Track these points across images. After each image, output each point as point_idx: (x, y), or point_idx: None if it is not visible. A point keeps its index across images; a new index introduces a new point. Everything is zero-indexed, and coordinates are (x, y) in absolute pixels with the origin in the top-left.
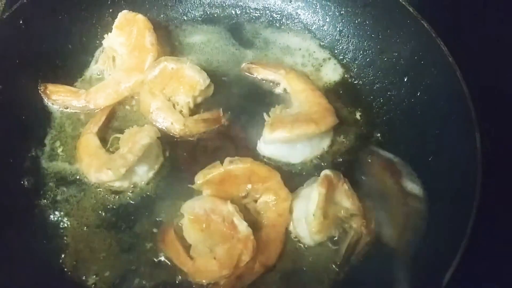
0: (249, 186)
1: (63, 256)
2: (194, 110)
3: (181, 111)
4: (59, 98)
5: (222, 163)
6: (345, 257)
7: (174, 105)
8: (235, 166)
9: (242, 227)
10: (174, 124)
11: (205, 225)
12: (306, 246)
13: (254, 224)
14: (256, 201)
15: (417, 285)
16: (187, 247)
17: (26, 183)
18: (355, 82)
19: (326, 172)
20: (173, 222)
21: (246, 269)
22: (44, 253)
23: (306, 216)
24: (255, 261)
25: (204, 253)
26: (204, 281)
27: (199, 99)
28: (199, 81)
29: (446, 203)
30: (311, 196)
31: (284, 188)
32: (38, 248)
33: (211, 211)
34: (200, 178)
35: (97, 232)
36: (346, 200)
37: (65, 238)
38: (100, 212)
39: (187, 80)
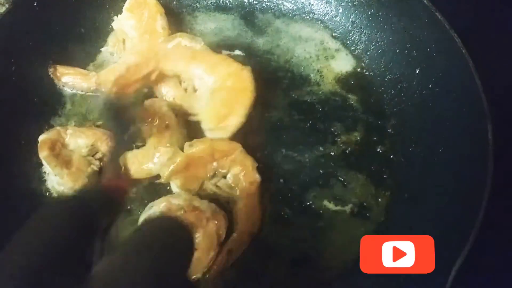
0: (215, 164)
1: None
2: None
3: (185, 89)
4: (69, 80)
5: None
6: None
7: (180, 82)
8: (195, 148)
9: (204, 205)
10: (176, 99)
11: None
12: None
13: (230, 199)
14: (225, 177)
15: (422, 279)
16: None
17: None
18: (366, 73)
19: None
20: None
21: (233, 242)
22: None
23: None
24: (241, 233)
25: None
26: (199, 274)
27: None
28: None
29: (456, 194)
30: None
31: (248, 157)
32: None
33: (168, 210)
34: (165, 170)
35: None
36: None
37: None
38: None
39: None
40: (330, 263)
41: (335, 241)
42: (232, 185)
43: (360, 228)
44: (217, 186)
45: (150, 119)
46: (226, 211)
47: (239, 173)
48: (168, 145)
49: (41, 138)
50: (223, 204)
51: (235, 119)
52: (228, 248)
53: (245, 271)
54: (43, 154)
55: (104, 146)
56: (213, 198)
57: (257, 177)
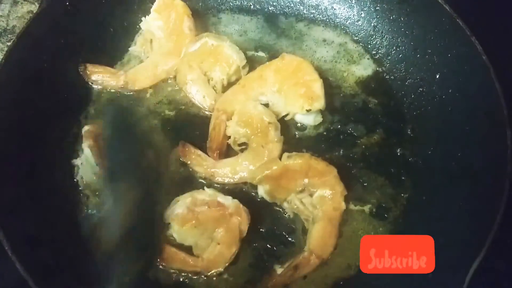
0: (306, 180)
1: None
2: (227, 88)
3: (214, 87)
4: (98, 79)
5: (280, 158)
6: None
7: (208, 80)
8: (293, 161)
9: (228, 201)
10: (206, 97)
11: (195, 221)
12: None
13: (310, 217)
14: (311, 195)
15: (440, 281)
16: (188, 249)
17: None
18: (387, 77)
19: None
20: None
21: (302, 260)
22: (84, 228)
23: None
24: (311, 253)
25: (207, 245)
26: (220, 268)
27: (233, 78)
28: (236, 60)
29: (474, 197)
30: None
31: (340, 183)
32: (78, 223)
33: (193, 205)
34: (258, 173)
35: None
36: None
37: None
38: None
39: (225, 57)
40: (350, 260)
41: (354, 240)
42: (317, 205)
43: (379, 228)
44: (302, 202)
45: (251, 123)
46: (304, 229)
47: (327, 196)
48: (267, 151)
49: (85, 129)
50: (301, 220)
51: (320, 103)
52: (295, 264)
53: (264, 265)
54: (87, 143)
55: None
56: (295, 213)
57: (342, 204)
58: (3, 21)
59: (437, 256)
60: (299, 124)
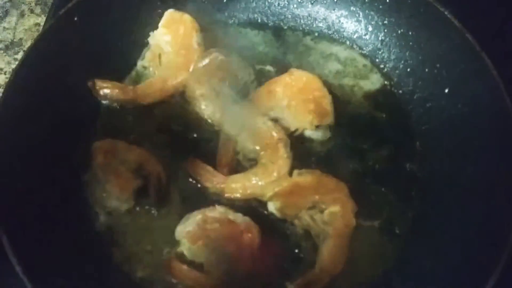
0: (317, 197)
1: (112, 249)
2: None
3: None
4: (107, 93)
5: (290, 174)
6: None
7: (217, 95)
8: (303, 178)
9: (240, 218)
10: (215, 112)
11: (206, 239)
12: None
13: (321, 234)
14: (322, 212)
15: None
16: (200, 265)
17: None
18: (395, 91)
19: None
20: (171, 254)
21: (312, 276)
22: (94, 245)
23: None
24: (322, 270)
25: (218, 262)
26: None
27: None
28: (244, 75)
29: (483, 214)
30: None
31: (351, 200)
32: (88, 240)
33: (204, 222)
34: (269, 191)
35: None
36: None
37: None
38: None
39: (233, 72)
40: (359, 277)
41: (364, 256)
42: (327, 222)
43: (388, 243)
44: (312, 218)
45: (260, 138)
46: (315, 245)
47: (338, 212)
48: (276, 167)
49: (95, 145)
50: (312, 237)
51: (329, 118)
52: (306, 281)
53: (274, 282)
54: (97, 160)
55: (150, 167)
56: (305, 230)
57: (353, 221)
58: (10, 33)
59: (446, 276)
60: (307, 140)
